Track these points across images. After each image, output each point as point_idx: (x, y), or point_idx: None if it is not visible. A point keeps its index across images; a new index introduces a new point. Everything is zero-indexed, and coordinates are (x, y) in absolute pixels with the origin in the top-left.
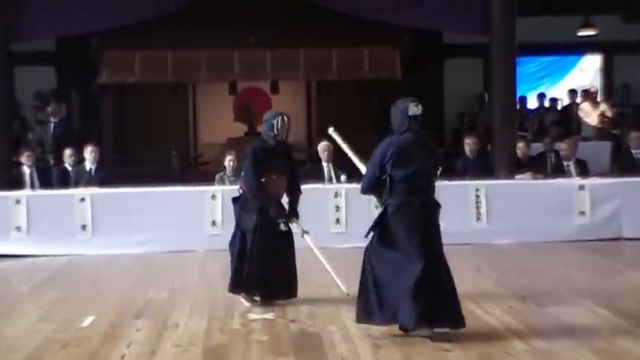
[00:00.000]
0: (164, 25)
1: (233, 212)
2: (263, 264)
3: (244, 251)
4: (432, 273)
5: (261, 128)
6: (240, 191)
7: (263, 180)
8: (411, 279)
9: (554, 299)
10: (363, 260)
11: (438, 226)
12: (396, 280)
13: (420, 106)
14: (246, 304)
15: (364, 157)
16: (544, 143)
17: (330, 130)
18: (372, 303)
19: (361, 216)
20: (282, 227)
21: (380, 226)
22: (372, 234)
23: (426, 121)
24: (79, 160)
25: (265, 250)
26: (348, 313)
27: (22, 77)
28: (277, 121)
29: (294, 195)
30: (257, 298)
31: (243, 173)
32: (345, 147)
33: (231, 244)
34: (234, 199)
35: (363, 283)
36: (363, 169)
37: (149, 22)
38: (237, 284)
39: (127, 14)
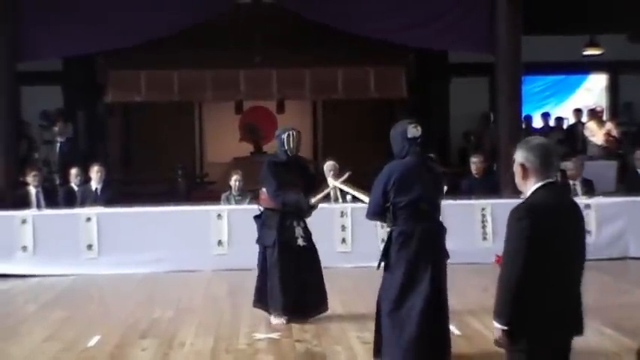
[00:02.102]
0: (170, 45)
1: (256, 230)
2: (283, 279)
3: (265, 266)
4: (432, 308)
5: (267, 147)
6: (261, 209)
7: None
8: (411, 321)
9: None
10: (378, 294)
11: (444, 251)
12: (397, 316)
13: (419, 128)
14: (273, 320)
15: (368, 177)
16: None
17: (336, 183)
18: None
19: (367, 235)
20: (301, 242)
21: (386, 256)
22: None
23: (431, 140)
24: (85, 180)
25: (285, 265)
26: (354, 333)
27: (29, 97)
28: (287, 137)
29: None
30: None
31: (263, 189)
32: (348, 189)
33: (258, 260)
34: (256, 217)
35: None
36: (366, 199)
37: (155, 42)
38: (260, 300)
39: (134, 34)
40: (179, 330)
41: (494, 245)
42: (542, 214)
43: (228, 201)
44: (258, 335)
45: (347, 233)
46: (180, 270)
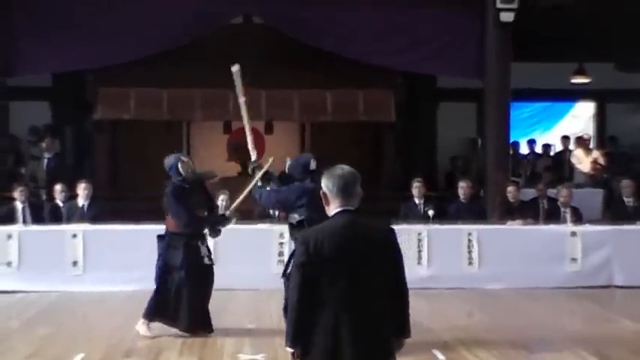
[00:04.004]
0: (160, 63)
1: (157, 249)
2: (192, 299)
3: (163, 282)
4: None
5: None
6: (166, 231)
7: None
8: None
9: (545, 345)
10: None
11: None
12: None
13: (315, 162)
14: (145, 332)
15: None
16: (537, 189)
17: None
18: None
19: None
20: (207, 261)
21: None
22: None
23: (418, 163)
24: (72, 196)
25: (193, 286)
26: None
27: (18, 112)
28: (179, 165)
29: None
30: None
31: (169, 215)
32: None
33: (156, 278)
34: (160, 237)
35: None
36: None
37: (145, 60)
38: (154, 312)
39: (123, 52)
40: (163, 349)
41: (480, 270)
42: (324, 239)
43: None
44: (243, 356)
45: None
46: None
